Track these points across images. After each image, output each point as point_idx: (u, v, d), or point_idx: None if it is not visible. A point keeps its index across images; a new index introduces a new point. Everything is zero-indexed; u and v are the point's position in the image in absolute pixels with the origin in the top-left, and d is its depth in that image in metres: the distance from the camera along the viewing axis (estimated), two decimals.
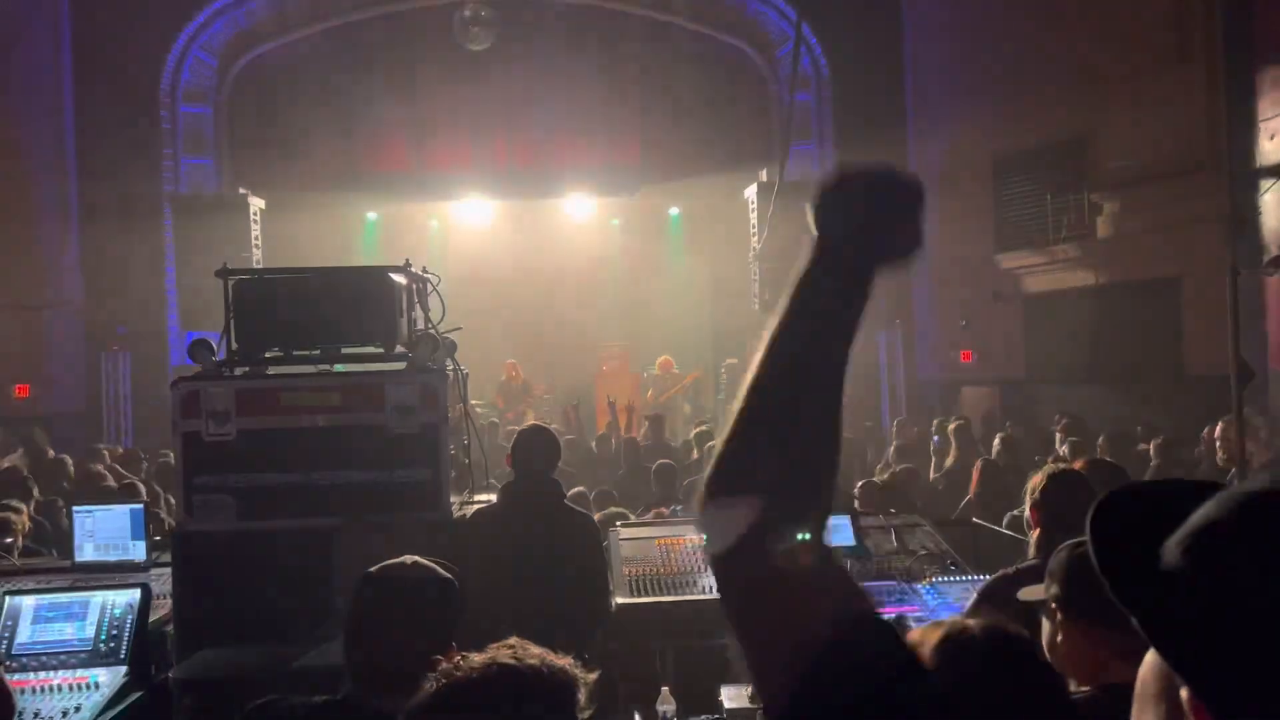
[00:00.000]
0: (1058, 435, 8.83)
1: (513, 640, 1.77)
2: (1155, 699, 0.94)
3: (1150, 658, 0.95)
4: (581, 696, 1.73)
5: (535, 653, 1.73)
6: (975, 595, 3.43)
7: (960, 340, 13.36)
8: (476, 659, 1.71)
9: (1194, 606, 0.82)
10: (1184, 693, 0.86)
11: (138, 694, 3.81)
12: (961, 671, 1.70)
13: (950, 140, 13.16)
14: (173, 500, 6.26)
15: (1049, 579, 2.30)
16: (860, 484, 6.86)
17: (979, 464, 7.36)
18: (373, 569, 2.39)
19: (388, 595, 2.33)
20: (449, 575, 2.40)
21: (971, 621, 1.78)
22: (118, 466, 8.97)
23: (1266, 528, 0.81)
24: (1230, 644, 0.80)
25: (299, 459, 4.13)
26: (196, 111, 14.09)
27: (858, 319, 1.18)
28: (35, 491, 7.16)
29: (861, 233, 1.12)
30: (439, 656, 1.77)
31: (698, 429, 10.13)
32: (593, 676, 1.77)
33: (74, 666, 3.83)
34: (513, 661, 1.70)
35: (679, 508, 6.46)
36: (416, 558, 2.41)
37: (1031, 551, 3.35)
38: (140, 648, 3.92)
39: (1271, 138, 8.96)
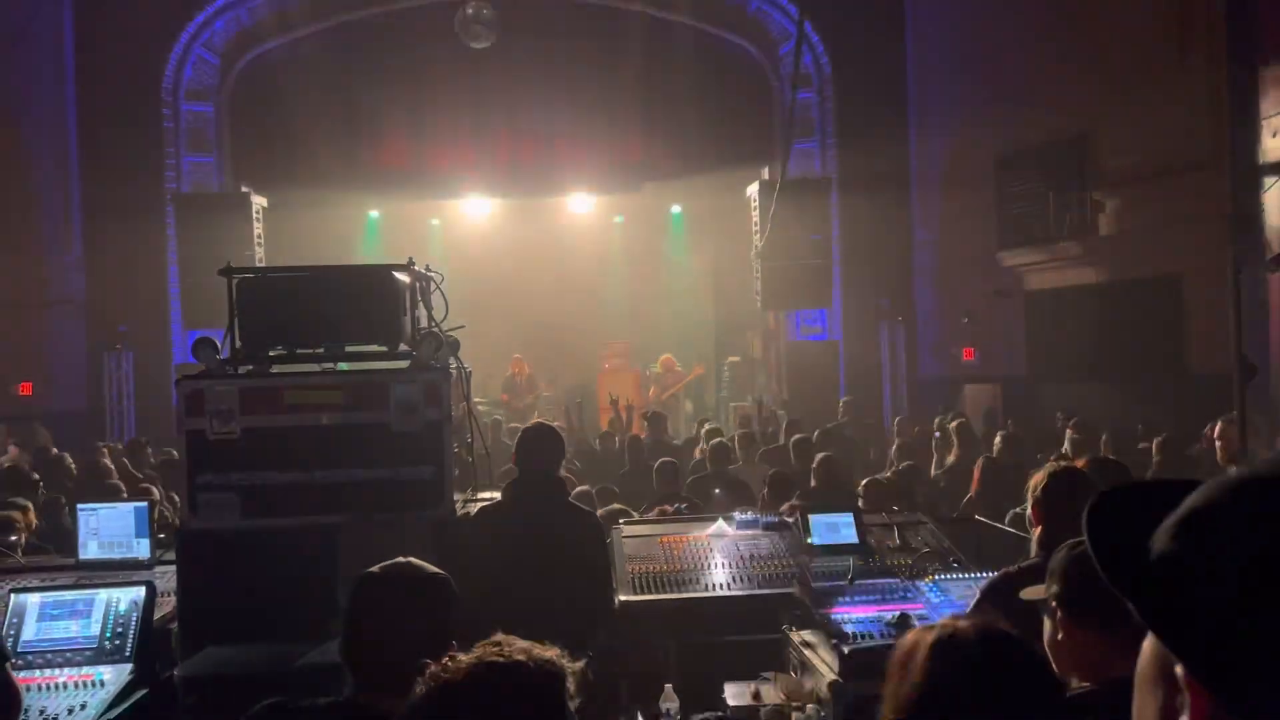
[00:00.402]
0: (1068, 433, 8.81)
1: (499, 637, 1.78)
2: (1153, 682, 0.97)
3: (1148, 644, 0.98)
4: (570, 685, 1.74)
5: (521, 647, 1.75)
6: (978, 593, 3.44)
7: (962, 337, 13.37)
8: (463, 659, 1.73)
9: (1186, 588, 0.85)
10: (1179, 669, 0.88)
11: (142, 691, 3.82)
12: (955, 671, 1.72)
13: (952, 138, 13.16)
14: (177, 498, 6.27)
15: (1050, 578, 2.31)
16: (865, 481, 6.85)
17: (980, 461, 7.36)
18: (368, 570, 2.40)
19: (383, 596, 2.34)
20: (445, 575, 2.41)
21: (964, 622, 1.80)
22: (126, 461, 9.00)
23: (1255, 508, 0.84)
24: (1223, 623, 0.82)
25: (303, 457, 4.14)
26: (199, 110, 14.09)
27: None
28: (41, 488, 7.19)
29: None
30: (430, 660, 1.79)
31: (707, 427, 10.14)
32: (579, 665, 1.78)
33: (79, 664, 3.84)
34: (499, 659, 1.71)
35: (683, 505, 6.46)
36: (412, 559, 2.42)
37: (1033, 549, 3.36)
38: (145, 645, 3.93)
39: (1274, 135, 8.95)
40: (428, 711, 1.71)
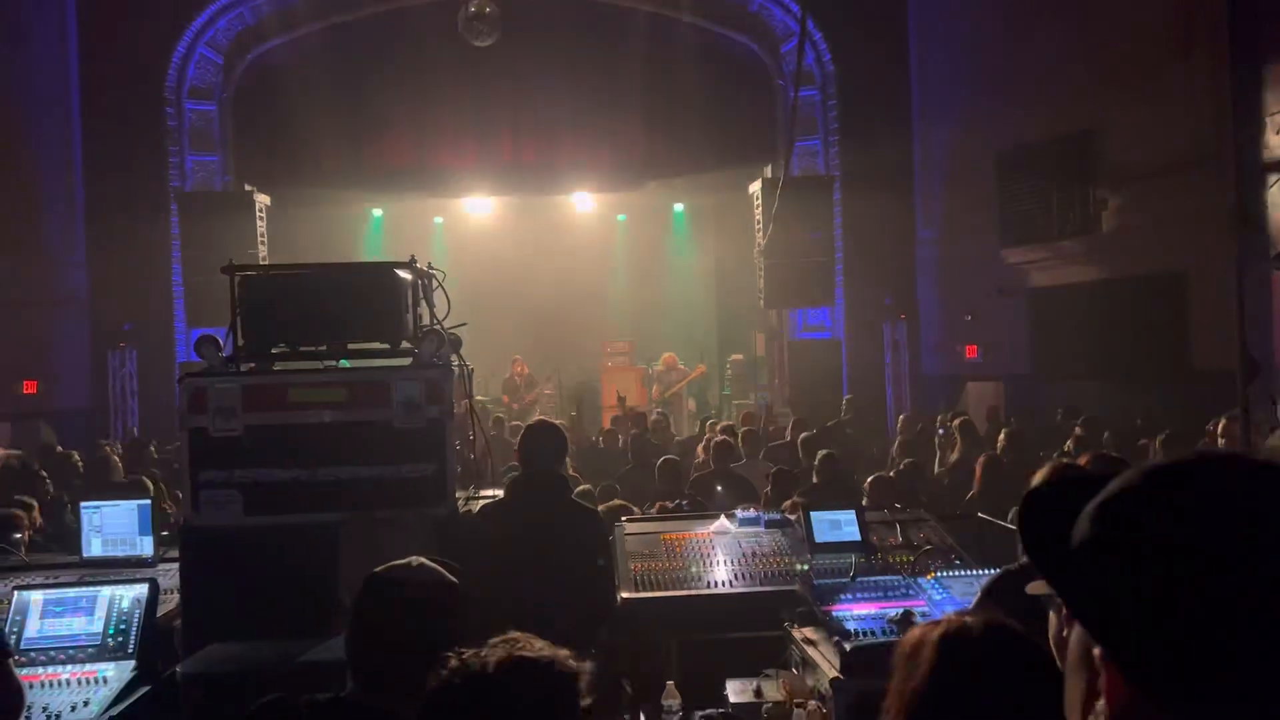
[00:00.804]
0: (1077, 430, 8.77)
1: (516, 634, 1.79)
2: (1078, 665, 1.00)
3: (1075, 629, 1.01)
4: (582, 686, 1.76)
5: (539, 645, 1.77)
6: (980, 591, 3.44)
7: (965, 335, 13.35)
8: (492, 652, 1.74)
9: (1099, 571, 0.88)
10: (1096, 651, 0.91)
11: (145, 688, 3.82)
12: (962, 667, 1.72)
13: (955, 135, 13.15)
14: (180, 495, 6.28)
15: None
16: (871, 478, 6.84)
17: (982, 459, 7.34)
18: (378, 570, 2.38)
19: (391, 598, 2.32)
20: (454, 579, 2.39)
21: (970, 618, 1.80)
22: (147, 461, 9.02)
23: (1168, 495, 0.87)
24: (1131, 604, 0.85)
25: (305, 454, 4.14)
26: (202, 108, 14.10)
27: None
28: (49, 486, 7.21)
29: None
30: (431, 662, 1.79)
31: (722, 424, 10.11)
32: (587, 666, 1.80)
33: (82, 661, 3.84)
34: (529, 653, 1.73)
35: (684, 502, 6.46)
36: (423, 560, 2.40)
37: None
38: (148, 642, 3.93)
39: (1278, 132, 8.93)
40: (453, 701, 1.72)
